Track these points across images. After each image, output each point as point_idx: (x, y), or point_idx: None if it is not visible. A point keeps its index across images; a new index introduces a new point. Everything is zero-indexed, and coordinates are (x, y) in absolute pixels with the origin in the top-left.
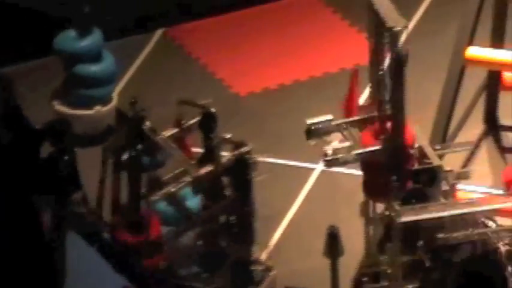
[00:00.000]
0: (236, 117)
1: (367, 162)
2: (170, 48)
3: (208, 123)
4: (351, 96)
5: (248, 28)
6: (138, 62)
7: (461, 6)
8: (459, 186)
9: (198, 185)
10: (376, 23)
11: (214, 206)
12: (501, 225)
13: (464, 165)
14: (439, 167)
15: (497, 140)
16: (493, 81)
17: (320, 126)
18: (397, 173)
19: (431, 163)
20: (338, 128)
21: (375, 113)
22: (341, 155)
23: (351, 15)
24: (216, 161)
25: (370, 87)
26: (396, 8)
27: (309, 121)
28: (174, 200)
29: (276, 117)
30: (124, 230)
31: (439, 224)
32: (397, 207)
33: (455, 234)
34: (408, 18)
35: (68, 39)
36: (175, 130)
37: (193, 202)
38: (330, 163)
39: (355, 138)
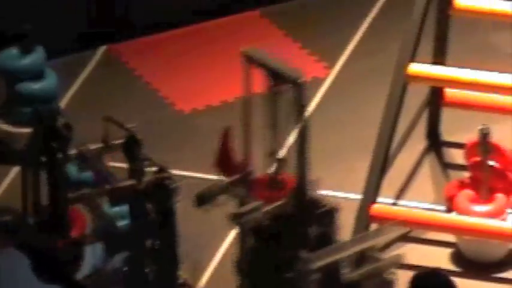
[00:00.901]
0: (179, 134)
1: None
2: (113, 65)
3: (131, 147)
4: (226, 155)
5: (192, 45)
6: (81, 79)
7: (403, 23)
8: (401, 202)
9: (114, 197)
10: (272, 78)
11: (136, 229)
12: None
13: (407, 181)
14: (335, 207)
15: (440, 156)
16: (435, 97)
17: (207, 191)
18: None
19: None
20: (226, 190)
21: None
22: (251, 215)
23: (294, 32)
24: (137, 183)
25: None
26: (340, 24)
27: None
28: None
29: (218, 134)
30: (45, 231)
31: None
32: (306, 255)
33: (358, 271)
34: (350, 36)
35: (10, 58)
36: (99, 145)
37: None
38: (241, 224)
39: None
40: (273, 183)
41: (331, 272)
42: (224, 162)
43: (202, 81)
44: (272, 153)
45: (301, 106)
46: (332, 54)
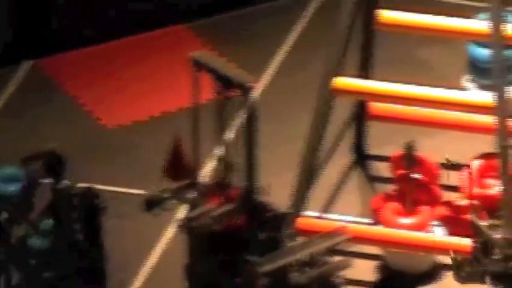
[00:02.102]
0: (105, 149)
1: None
2: (39, 80)
3: (54, 165)
4: (176, 161)
5: (118, 59)
6: (6, 94)
7: (329, 37)
8: (329, 215)
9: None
10: (220, 83)
11: (63, 247)
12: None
13: (333, 194)
14: (284, 213)
15: (366, 169)
16: (360, 111)
17: (156, 196)
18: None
19: (274, 210)
20: (174, 195)
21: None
22: (199, 220)
23: (220, 47)
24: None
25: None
26: (266, 38)
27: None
28: None
29: (145, 149)
30: None
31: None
32: (255, 258)
33: (306, 274)
34: (276, 50)
35: None
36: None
37: None
38: (189, 229)
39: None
40: (222, 188)
41: (280, 275)
42: (174, 168)
43: (128, 95)
44: (220, 159)
45: (250, 111)
46: (258, 69)
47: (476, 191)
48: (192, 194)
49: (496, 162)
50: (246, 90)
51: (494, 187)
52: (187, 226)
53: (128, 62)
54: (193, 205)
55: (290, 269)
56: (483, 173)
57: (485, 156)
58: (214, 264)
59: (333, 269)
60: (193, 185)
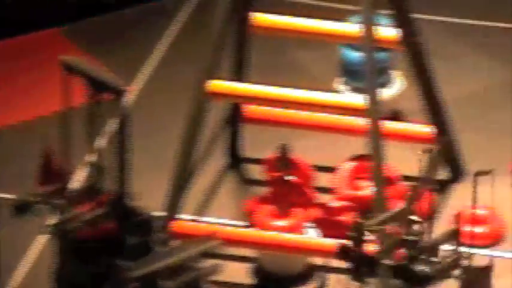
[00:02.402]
0: None
1: None
2: None
3: None
4: (47, 166)
5: None
6: None
7: (203, 40)
8: (204, 219)
9: None
10: (92, 88)
11: None
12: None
13: (208, 197)
14: (157, 217)
15: (240, 172)
16: (235, 114)
17: (24, 200)
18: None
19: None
20: (44, 200)
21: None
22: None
23: (93, 50)
24: None
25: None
26: (139, 42)
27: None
28: None
29: (18, 154)
30: None
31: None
32: (124, 264)
33: (176, 280)
34: (149, 53)
35: None
36: None
37: None
38: (56, 233)
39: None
40: (93, 193)
41: (150, 281)
42: (45, 173)
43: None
44: (92, 164)
45: (122, 115)
46: (131, 72)
47: (349, 192)
48: (61, 199)
49: (368, 163)
50: (118, 93)
51: (367, 188)
52: (55, 231)
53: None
54: (62, 210)
55: (160, 275)
56: (355, 174)
57: (358, 158)
58: (84, 269)
59: (204, 274)
60: (63, 190)
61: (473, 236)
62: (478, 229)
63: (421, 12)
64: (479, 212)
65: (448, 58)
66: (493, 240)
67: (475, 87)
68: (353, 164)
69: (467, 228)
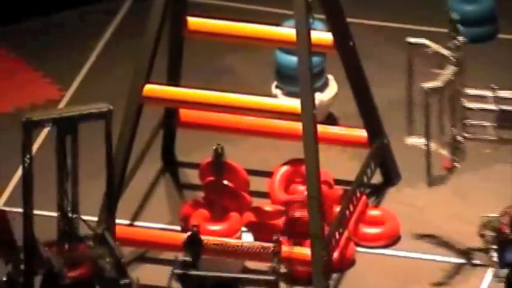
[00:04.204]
0: None
1: None
2: None
3: None
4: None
5: None
6: None
7: (137, 44)
8: (138, 223)
9: None
10: None
11: None
12: None
13: (143, 202)
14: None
15: (175, 177)
16: (170, 118)
17: None
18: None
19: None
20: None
21: None
22: None
23: (26, 55)
24: None
25: None
26: (74, 45)
27: None
28: None
29: None
30: None
31: None
32: None
33: None
34: (85, 57)
35: None
36: None
37: None
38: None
39: None
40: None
41: None
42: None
43: None
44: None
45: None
46: (67, 76)
47: (283, 196)
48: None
49: (303, 168)
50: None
51: (302, 193)
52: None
53: None
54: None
55: None
56: (290, 178)
57: (292, 162)
58: None
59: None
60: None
61: (367, 236)
62: (373, 230)
63: (354, 16)
64: (374, 212)
65: (382, 61)
66: (388, 240)
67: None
68: (288, 168)
69: (363, 229)
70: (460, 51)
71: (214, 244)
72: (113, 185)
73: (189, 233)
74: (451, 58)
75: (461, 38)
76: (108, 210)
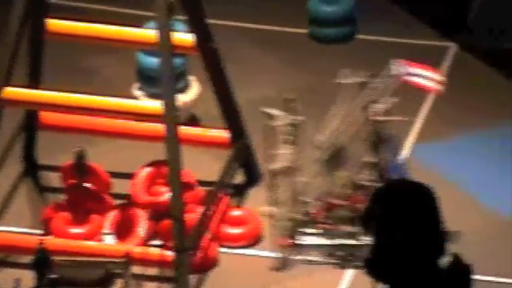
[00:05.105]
0: None
1: None
2: None
3: None
4: None
5: None
6: None
7: None
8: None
9: None
10: None
11: None
12: None
13: (3, 206)
14: None
15: (37, 180)
16: (30, 120)
17: None
18: None
19: None
20: None
21: None
22: None
23: None
24: None
25: None
26: None
27: None
28: None
29: None
30: None
31: None
32: None
33: None
34: None
35: None
36: None
37: None
38: None
39: None
40: None
41: None
42: None
43: None
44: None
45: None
46: None
47: (146, 198)
48: None
49: (166, 169)
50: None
51: (164, 194)
52: None
53: None
54: None
55: None
56: (153, 180)
57: (155, 164)
58: None
59: None
60: None
61: (230, 236)
62: (236, 230)
63: (215, 17)
64: (237, 213)
65: (243, 62)
66: (250, 240)
67: (269, 91)
68: (150, 169)
69: (225, 229)
70: (297, 129)
71: (62, 261)
72: None
73: (36, 253)
74: (288, 138)
75: (299, 117)
76: None
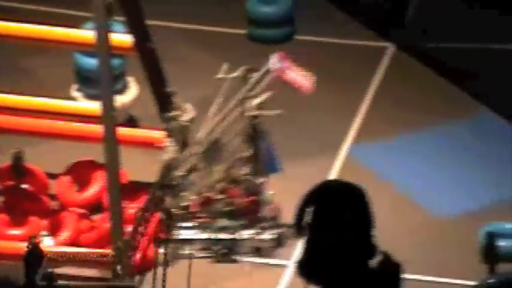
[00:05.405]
0: None
1: None
2: None
3: None
4: None
5: None
6: None
7: None
8: None
9: None
10: None
11: None
12: None
13: None
14: None
15: None
16: None
17: None
18: None
19: None
20: None
21: None
22: None
23: None
24: None
25: None
26: None
27: None
28: None
29: None
30: None
31: None
32: None
33: None
34: None
35: None
36: None
37: None
38: None
39: None
40: None
41: None
42: None
43: None
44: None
45: None
46: None
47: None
48: None
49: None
50: None
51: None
52: None
53: None
54: None
55: None
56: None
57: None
58: None
59: None
60: None
61: None
62: None
63: (154, 18)
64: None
65: (181, 63)
66: None
67: (208, 91)
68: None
69: None
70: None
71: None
72: None
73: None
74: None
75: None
76: None
